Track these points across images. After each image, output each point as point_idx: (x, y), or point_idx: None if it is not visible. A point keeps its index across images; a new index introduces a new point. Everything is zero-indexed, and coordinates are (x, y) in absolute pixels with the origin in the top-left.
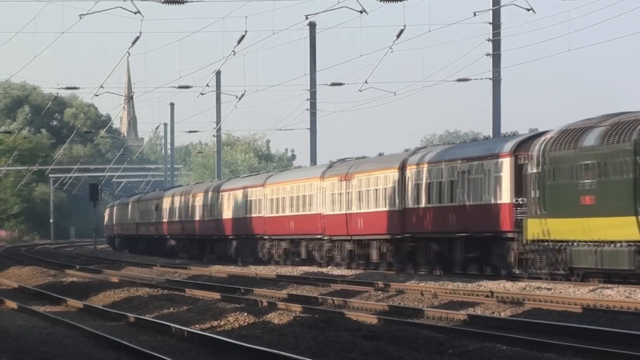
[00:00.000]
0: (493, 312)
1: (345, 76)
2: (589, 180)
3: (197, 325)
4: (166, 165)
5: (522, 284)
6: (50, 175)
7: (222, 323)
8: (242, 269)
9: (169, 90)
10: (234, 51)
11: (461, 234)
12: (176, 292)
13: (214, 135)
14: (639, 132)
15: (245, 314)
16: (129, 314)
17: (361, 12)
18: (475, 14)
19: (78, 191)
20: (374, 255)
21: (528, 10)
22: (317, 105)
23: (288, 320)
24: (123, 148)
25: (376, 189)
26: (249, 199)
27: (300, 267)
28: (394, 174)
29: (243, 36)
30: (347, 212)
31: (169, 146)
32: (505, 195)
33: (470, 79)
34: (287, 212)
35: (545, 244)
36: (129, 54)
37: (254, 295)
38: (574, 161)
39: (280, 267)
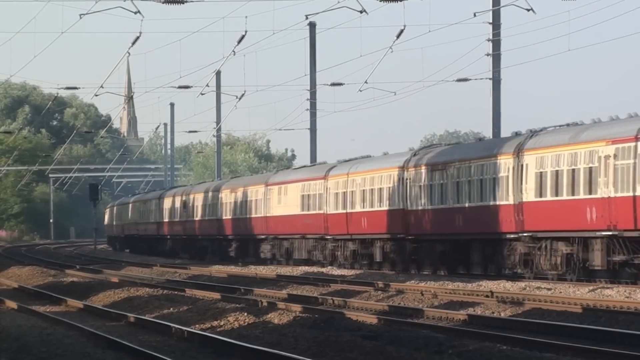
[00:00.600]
0: (493, 312)
1: (345, 76)
2: None
3: (197, 325)
4: (166, 165)
5: (522, 284)
6: (50, 175)
7: (222, 323)
8: (242, 269)
9: (169, 90)
10: (234, 51)
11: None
12: (176, 292)
13: (214, 135)
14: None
15: (245, 314)
16: (129, 314)
17: (361, 12)
18: (475, 14)
19: (78, 191)
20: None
21: (528, 10)
22: (317, 105)
23: (288, 320)
24: (123, 148)
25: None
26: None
27: (300, 267)
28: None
29: (243, 36)
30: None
31: (169, 146)
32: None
33: (470, 79)
34: (359, 209)
35: None
36: (129, 54)
37: (254, 295)
38: None
39: (281, 267)
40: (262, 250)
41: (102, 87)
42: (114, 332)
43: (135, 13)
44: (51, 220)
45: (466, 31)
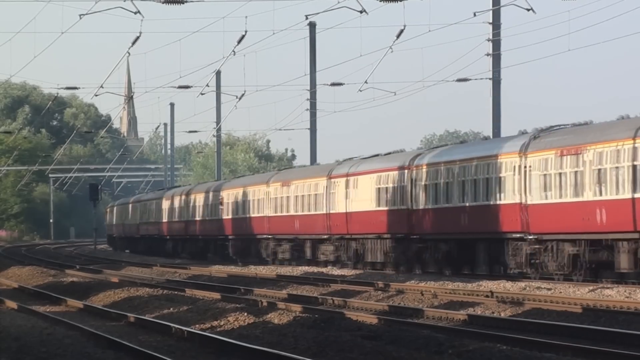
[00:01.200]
0: (493, 312)
1: (345, 76)
2: None
3: (197, 325)
4: (166, 165)
5: (522, 284)
6: (50, 175)
7: (222, 323)
8: (242, 269)
9: (169, 90)
10: (234, 51)
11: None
12: (176, 292)
13: (214, 135)
14: None
15: (245, 314)
16: (129, 314)
17: (361, 12)
18: (475, 14)
19: (78, 191)
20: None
21: (528, 10)
22: (317, 105)
23: (288, 320)
24: (123, 148)
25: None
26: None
27: (300, 267)
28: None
29: (243, 36)
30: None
31: (169, 146)
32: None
33: (470, 79)
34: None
35: None
36: (129, 54)
37: (254, 295)
38: None
39: (281, 267)
40: (323, 252)
41: (102, 87)
42: (114, 332)
43: (135, 13)
44: (51, 220)
45: (466, 31)
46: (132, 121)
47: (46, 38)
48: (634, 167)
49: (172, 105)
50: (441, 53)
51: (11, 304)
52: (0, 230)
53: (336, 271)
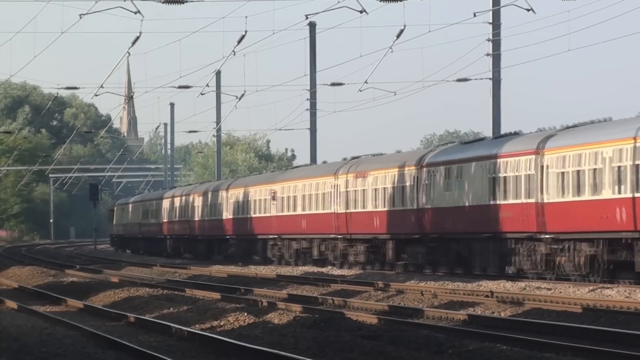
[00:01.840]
0: (493, 312)
1: (345, 76)
2: None
3: (197, 325)
4: (166, 165)
5: (522, 284)
6: (50, 175)
7: (222, 323)
8: (242, 269)
9: (169, 90)
10: (234, 51)
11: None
12: (176, 292)
13: (214, 135)
14: None
15: (245, 314)
16: (129, 314)
17: (361, 12)
18: (475, 14)
19: (78, 191)
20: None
21: (528, 10)
22: (317, 105)
23: (288, 320)
24: (123, 148)
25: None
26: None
27: (300, 267)
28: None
29: (243, 36)
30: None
31: (169, 146)
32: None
33: (470, 79)
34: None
35: None
36: (129, 54)
37: (254, 295)
38: None
39: (281, 267)
40: (411, 254)
41: (102, 87)
42: (114, 332)
43: (135, 13)
44: (51, 220)
45: (466, 31)
46: (132, 121)
47: (46, 38)
48: None
49: (172, 105)
50: (441, 53)
51: (11, 304)
52: (0, 230)
53: (336, 271)
